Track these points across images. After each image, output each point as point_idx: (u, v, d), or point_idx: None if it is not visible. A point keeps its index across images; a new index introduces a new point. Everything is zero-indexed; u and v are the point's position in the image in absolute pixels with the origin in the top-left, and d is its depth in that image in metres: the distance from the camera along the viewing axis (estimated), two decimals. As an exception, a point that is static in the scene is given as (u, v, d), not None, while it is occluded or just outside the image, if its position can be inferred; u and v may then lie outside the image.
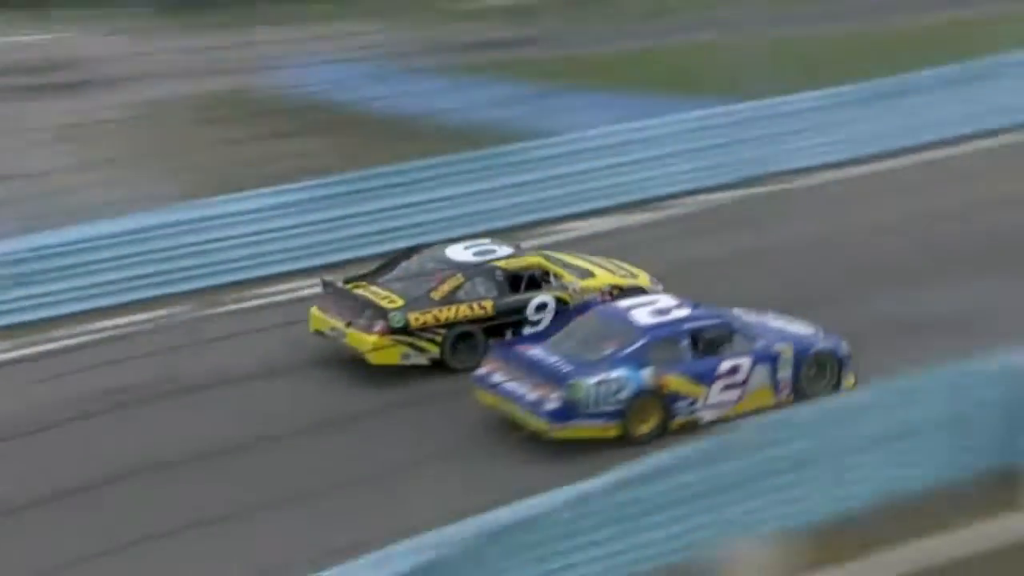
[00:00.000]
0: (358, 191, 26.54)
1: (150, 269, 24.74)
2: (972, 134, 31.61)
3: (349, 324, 21.44)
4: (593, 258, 23.41)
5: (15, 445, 20.17)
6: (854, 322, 21.92)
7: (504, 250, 22.52)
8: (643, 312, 20.22)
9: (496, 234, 24.86)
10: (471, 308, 21.59)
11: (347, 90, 36.80)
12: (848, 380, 20.48)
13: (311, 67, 39.17)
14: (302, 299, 23.52)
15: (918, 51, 35.90)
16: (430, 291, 21.56)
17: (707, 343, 19.97)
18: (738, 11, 43.87)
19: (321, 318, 21.93)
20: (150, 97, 36.97)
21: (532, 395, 19.42)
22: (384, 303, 21.38)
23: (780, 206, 28.46)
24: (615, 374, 19.38)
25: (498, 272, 21.96)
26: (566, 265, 22.73)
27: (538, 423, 19.35)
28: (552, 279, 22.20)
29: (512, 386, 19.67)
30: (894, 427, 17.68)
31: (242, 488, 18.77)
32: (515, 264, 22.17)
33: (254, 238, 25.60)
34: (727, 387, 19.94)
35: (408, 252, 22.83)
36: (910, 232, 26.75)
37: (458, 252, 22.36)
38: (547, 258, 22.71)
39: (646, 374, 19.46)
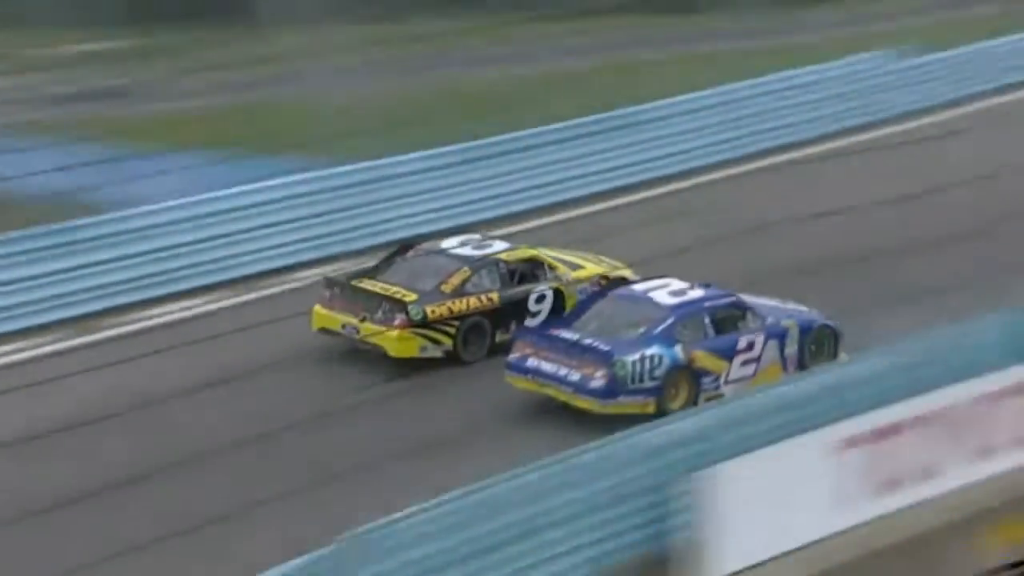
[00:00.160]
0: None
1: None
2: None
3: (363, 320, 21.66)
4: (572, 251, 24.03)
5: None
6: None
7: (501, 244, 23.08)
8: (662, 293, 20.94)
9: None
10: (480, 300, 22.01)
11: None
12: (842, 354, 21.53)
13: None
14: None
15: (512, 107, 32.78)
16: (440, 284, 21.94)
17: (724, 320, 20.81)
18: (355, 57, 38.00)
19: (327, 315, 22.07)
20: None
21: (575, 375, 19.92)
22: (400, 297, 21.68)
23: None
24: (651, 351, 20.05)
25: (501, 265, 22.47)
26: (555, 257, 23.35)
27: (584, 401, 19.86)
28: (547, 271, 22.81)
29: (551, 367, 20.14)
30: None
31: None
32: (515, 257, 22.72)
33: None
34: (744, 362, 20.79)
35: (403, 249, 23.12)
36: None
37: (456, 247, 22.79)
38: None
39: (678, 350, 20.21)
